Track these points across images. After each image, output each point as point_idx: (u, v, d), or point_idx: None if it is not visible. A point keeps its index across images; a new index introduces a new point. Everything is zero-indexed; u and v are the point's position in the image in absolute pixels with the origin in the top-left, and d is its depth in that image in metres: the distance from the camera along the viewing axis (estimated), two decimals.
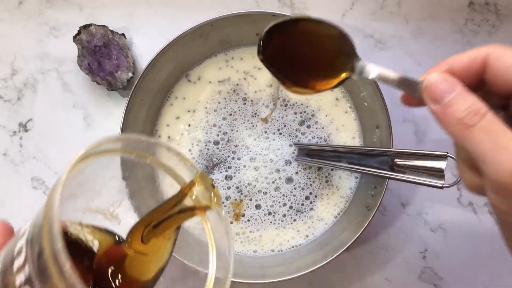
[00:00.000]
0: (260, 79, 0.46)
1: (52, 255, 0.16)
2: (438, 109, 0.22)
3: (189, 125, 0.46)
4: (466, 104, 0.21)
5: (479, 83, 0.23)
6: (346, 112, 0.45)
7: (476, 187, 0.24)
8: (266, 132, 0.46)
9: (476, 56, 0.23)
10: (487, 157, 0.20)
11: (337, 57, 0.25)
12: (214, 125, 0.46)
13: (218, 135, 0.46)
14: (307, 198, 0.45)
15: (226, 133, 0.46)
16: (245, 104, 0.46)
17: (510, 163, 0.20)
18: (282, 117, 0.45)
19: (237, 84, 0.46)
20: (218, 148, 0.46)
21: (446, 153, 0.33)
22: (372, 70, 0.24)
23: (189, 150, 0.46)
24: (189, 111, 0.46)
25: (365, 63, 0.24)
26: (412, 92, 0.23)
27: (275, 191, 0.45)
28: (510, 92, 0.22)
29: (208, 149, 0.46)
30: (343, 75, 0.25)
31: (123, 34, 0.46)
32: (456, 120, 0.21)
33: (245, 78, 0.46)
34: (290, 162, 0.45)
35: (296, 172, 0.45)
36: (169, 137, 0.46)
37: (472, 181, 0.24)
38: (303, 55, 0.25)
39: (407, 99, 0.25)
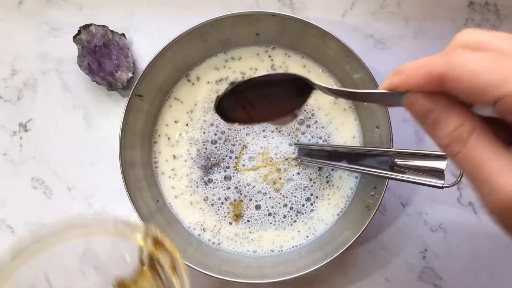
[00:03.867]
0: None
1: None
2: (427, 129, 0.21)
3: (187, 125, 0.46)
4: (448, 128, 0.19)
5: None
6: (345, 110, 0.45)
7: None
8: (264, 130, 0.46)
9: (430, 74, 0.20)
10: (475, 187, 0.19)
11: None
12: (212, 124, 0.46)
13: (215, 134, 0.46)
14: (307, 199, 0.45)
15: (224, 132, 0.46)
16: None
17: (496, 198, 0.18)
18: None
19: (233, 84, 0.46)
20: (216, 147, 0.46)
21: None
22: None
23: (187, 150, 0.46)
24: (187, 112, 0.46)
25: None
26: (392, 104, 0.23)
27: (276, 191, 0.45)
28: (483, 103, 0.19)
29: (206, 149, 0.46)
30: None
31: (123, 34, 0.46)
32: (443, 146, 0.20)
33: (243, 77, 0.46)
34: (291, 162, 0.45)
35: (298, 173, 0.45)
36: (168, 138, 0.46)
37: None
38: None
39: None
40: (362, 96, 0.24)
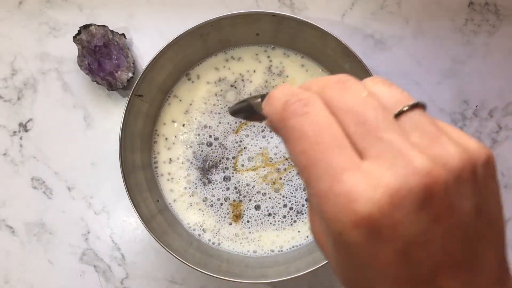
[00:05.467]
0: (255, 81, 0.46)
1: None
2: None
3: (183, 125, 0.46)
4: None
5: None
6: None
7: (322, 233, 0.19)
8: (263, 131, 0.46)
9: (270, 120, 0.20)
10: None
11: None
12: (205, 126, 0.46)
13: (210, 136, 0.46)
14: (308, 200, 0.45)
15: (218, 138, 0.46)
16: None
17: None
18: None
19: (232, 86, 0.46)
20: (211, 149, 0.46)
21: None
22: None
23: (183, 152, 0.46)
24: (184, 112, 0.46)
25: None
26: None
27: (275, 192, 0.45)
28: None
29: (202, 151, 0.46)
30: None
31: (123, 34, 0.46)
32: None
33: (242, 80, 0.46)
34: (291, 162, 0.45)
35: (298, 173, 0.45)
36: (166, 138, 0.46)
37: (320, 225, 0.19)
38: None
39: None
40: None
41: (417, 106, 0.17)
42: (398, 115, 0.17)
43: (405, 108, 0.17)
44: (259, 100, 0.22)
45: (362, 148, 0.16)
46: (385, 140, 0.16)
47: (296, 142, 0.17)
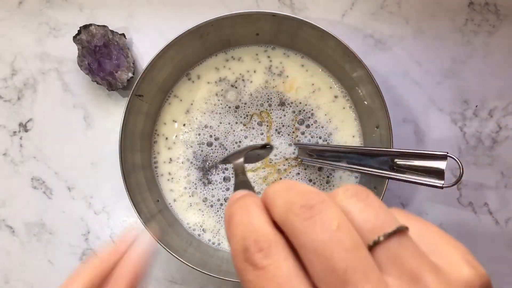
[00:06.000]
0: (256, 81, 0.46)
1: None
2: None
3: (184, 125, 0.46)
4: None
5: None
6: (344, 109, 0.45)
7: None
8: (262, 134, 0.46)
9: None
10: None
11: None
12: (206, 126, 0.46)
13: (211, 136, 0.46)
14: None
15: (219, 138, 0.46)
16: (239, 107, 0.46)
17: None
18: (280, 117, 0.45)
19: (232, 85, 0.46)
20: (211, 149, 0.46)
21: (446, 153, 0.33)
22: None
23: (184, 151, 0.46)
24: (185, 111, 0.46)
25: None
26: None
27: None
28: None
29: (202, 151, 0.46)
30: None
31: (123, 34, 0.46)
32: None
33: (242, 80, 0.46)
34: (291, 162, 0.45)
35: (298, 173, 0.45)
36: (166, 138, 0.46)
37: None
38: None
39: None
40: None
41: (396, 232, 0.15)
42: (374, 245, 0.15)
43: (381, 238, 0.15)
44: (242, 160, 0.23)
45: None
46: None
47: None
